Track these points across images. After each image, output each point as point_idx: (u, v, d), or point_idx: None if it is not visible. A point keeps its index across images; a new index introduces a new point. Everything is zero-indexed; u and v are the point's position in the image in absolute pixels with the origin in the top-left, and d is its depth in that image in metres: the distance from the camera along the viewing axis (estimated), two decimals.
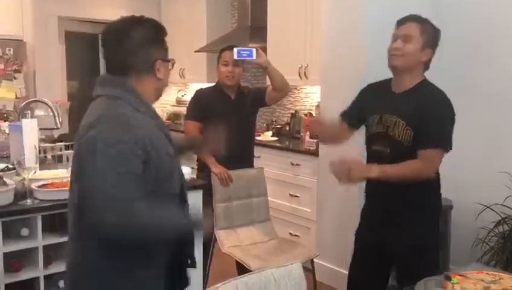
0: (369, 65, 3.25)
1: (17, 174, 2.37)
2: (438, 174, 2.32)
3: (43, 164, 2.82)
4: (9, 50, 4.93)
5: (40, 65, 5.25)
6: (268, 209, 3.34)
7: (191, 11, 5.69)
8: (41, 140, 2.99)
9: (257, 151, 3.69)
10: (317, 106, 4.42)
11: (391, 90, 2.32)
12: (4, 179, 2.30)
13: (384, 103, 2.31)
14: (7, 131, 3.02)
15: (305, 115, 4.64)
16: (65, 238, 2.08)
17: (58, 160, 2.97)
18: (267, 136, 4.66)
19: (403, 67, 2.23)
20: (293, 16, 4.34)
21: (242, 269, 2.85)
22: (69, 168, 2.27)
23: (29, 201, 2.24)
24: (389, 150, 2.27)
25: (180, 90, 6.29)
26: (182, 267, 1.76)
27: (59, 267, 2.32)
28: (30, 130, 2.59)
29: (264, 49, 3.84)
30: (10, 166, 2.53)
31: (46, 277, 2.32)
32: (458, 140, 2.25)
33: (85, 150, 1.48)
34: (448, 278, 1.76)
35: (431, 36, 2.23)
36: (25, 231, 2.25)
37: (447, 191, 2.44)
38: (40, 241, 2.26)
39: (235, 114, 3.19)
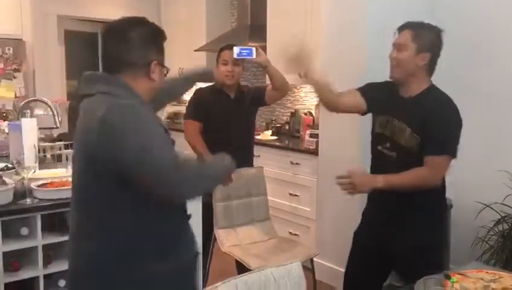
0: (369, 64, 3.25)
1: (17, 173, 2.37)
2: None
3: (42, 163, 2.82)
4: (9, 49, 4.93)
5: (40, 64, 5.25)
6: (268, 208, 3.34)
7: (191, 10, 5.69)
8: (40, 139, 2.99)
9: (257, 150, 3.69)
10: (317, 105, 4.42)
11: (399, 94, 2.32)
12: (3, 178, 2.30)
13: (393, 106, 2.31)
14: (6, 130, 3.02)
15: (305, 114, 4.64)
16: (65, 238, 2.09)
17: (57, 159, 2.98)
18: (267, 135, 4.66)
19: (402, 78, 2.27)
20: (292, 15, 4.34)
21: (242, 268, 2.85)
22: (69, 168, 2.29)
23: (28, 200, 2.23)
24: (395, 155, 2.27)
25: None
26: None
27: (59, 266, 2.33)
28: (29, 130, 2.59)
29: (264, 48, 3.84)
30: (9, 165, 2.53)
31: (45, 276, 2.31)
32: None
33: (113, 135, 1.46)
34: (448, 277, 1.76)
35: (427, 40, 2.22)
36: (24, 231, 2.25)
37: (446, 190, 2.44)
38: (40, 240, 2.26)
39: (235, 113, 3.19)
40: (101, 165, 1.50)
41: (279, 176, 4.17)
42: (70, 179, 1.69)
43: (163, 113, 6.01)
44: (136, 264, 1.57)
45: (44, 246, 2.28)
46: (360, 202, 2.74)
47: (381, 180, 2.19)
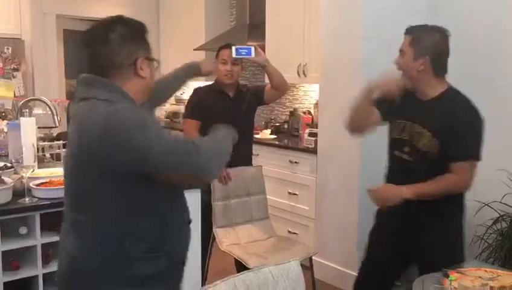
0: (368, 63, 3.26)
1: (16, 172, 2.38)
2: None
3: (41, 162, 2.82)
4: (8, 48, 4.94)
5: (39, 63, 5.25)
6: (267, 207, 3.34)
7: (190, 10, 5.68)
8: (39, 138, 2.99)
9: (256, 149, 3.69)
10: (316, 104, 4.42)
11: (416, 97, 2.27)
12: (2, 177, 2.30)
13: (412, 109, 2.27)
14: (5, 129, 3.02)
15: (304, 113, 4.64)
16: None
17: (56, 158, 2.98)
18: (266, 134, 4.66)
19: (410, 84, 2.23)
20: (291, 14, 4.34)
21: (241, 267, 2.86)
22: None
23: (27, 199, 2.23)
24: (413, 160, 2.25)
25: None
26: None
27: None
28: (28, 129, 2.59)
29: (263, 47, 3.84)
30: (8, 164, 2.52)
31: (44, 275, 2.31)
32: None
33: (120, 144, 1.46)
34: (446, 275, 1.77)
35: (424, 43, 2.20)
36: (23, 230, 2.25)
37: None
38: (39, 239, 2.25)
39: (234, 112, 3.19)
40: (109, 171, 1.50)
41: (278, 174, 4.18)
42: None
43: (163, 113, 6.02)
44: (125, 265, 1.57)
45: (43, 245, 2.28)
46: (359, 201, 2.75)
47: (408, 192, 2.15)
